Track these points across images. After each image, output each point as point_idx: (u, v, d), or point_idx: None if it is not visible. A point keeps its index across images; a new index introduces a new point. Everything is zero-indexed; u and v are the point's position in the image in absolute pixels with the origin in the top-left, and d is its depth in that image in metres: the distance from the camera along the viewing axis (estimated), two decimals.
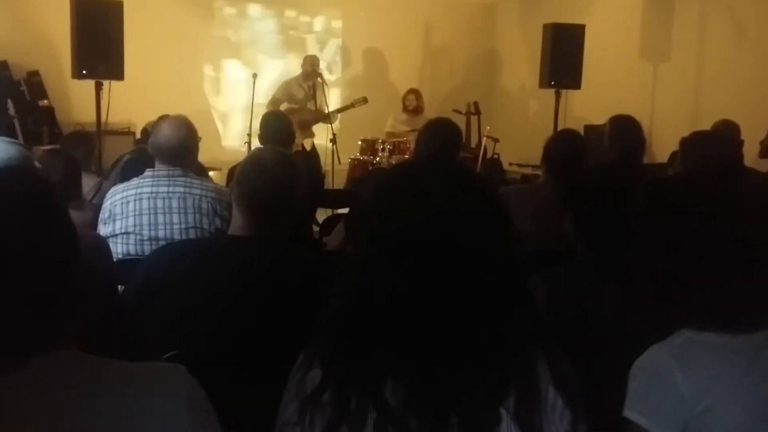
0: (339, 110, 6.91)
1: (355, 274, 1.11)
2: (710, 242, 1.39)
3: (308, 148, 6.65)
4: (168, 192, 2.71)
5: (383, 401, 1.03)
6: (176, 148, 2.74)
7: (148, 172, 2.77)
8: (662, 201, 1.52)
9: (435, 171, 1.14)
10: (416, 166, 1.22)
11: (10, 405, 0.90)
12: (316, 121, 6.67)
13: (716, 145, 3.03)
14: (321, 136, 6.79)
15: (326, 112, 6.60)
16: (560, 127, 6.19)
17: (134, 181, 2.77)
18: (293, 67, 7.69)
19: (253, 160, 1.94)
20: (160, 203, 2.69)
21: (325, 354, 1.09)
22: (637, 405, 1.34)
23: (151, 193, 2.70)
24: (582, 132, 6.57)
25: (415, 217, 1.08)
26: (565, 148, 3.14)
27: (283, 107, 6.48)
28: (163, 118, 3.03)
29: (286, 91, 6.74)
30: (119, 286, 2.16)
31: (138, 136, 4.83)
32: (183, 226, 2.69)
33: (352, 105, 6.81)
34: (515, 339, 1.07)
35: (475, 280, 1.07)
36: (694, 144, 3.03)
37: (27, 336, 0.92)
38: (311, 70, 6.70)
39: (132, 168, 3.19)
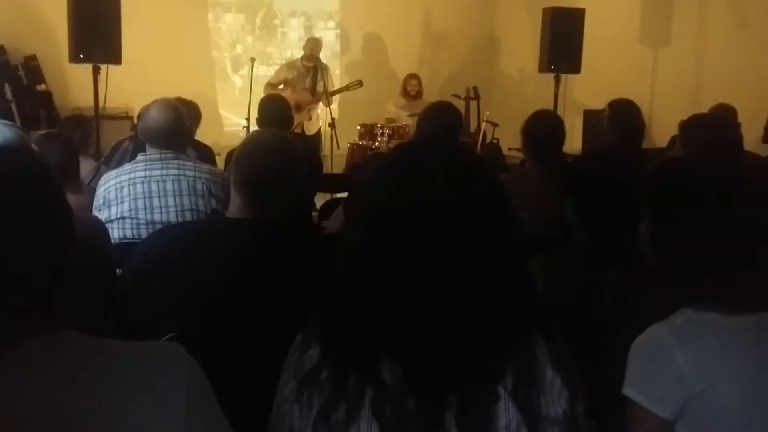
0: (333, 92, 6.86)
1: (353, 254, 1.11)
2: (720, 224, 1.39)
3: (311, 132, 6.63)
4: (162, 175, 2.70)
5: (380, 380, 1.03)
6: (165, 131, 2.73)
7: (140, 157, 2.76)
8: (674, 183, 1.52)
9: (435, 152, 1.13)
10: (416, 147, 1.22)
11: (5, 386, 0.90)
12: (311, 103, 6.64)
13: (717, 128, 3.01)
14: (320, 121, 6.78)
15: (321, 93, 6.57)
16: (560, 112, 6.15)
17: (127, 167, 2.76)
18: (292, 50, 7.66)
19: (251, 142, 1.92)
20: (154, 187, 2.68)
21: (323, 332, 1.09)
22: (636, 383, 1.35)
23: (145, 177, 2.69)
24: (581, 116, 6.58)
25: (414, 198, 1.08)
26: (544, 131, 3.09)
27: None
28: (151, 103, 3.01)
29: (280, 75, 6.71)
30: (117, 270, 2.16)
31: (136, 121, 4.76)
32: (179, 208, 2.69)
33: (346, 87, 6.78)
34: (513, 321, 1.07)
35: (473, 261, 1.07)
36: (694, 127, 3.02)
37: (22, 317, 0.92)
38: (310, 54, 6.67)
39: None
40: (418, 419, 1.02)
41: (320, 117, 6.86)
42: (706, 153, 2.52)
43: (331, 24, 8.21)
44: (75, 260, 0.98)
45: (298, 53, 7.18)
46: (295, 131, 6.20)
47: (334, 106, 6.81)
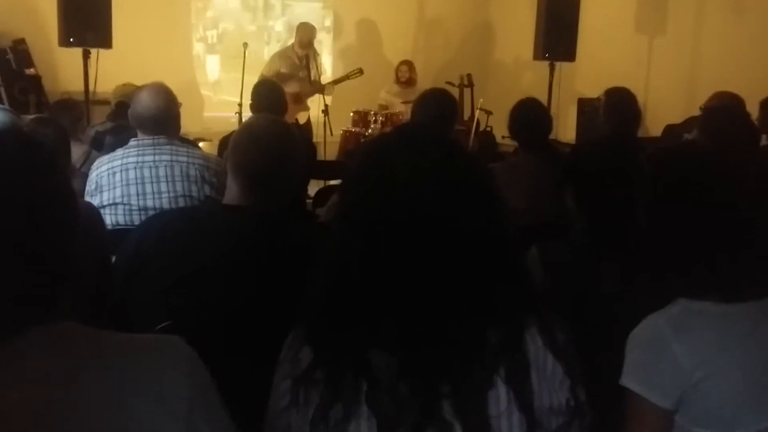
0: (334, 82, 6.77)
1: (334, 249, 1.12)
2: (711, 213, 1.39)
3: (302, 121, 6.55)
4: (154, 161, 2.67)
5: (373, 374, 1.03)
6: (157, 116, 2.70)
7: (132, 142, 2.73)
8: (666, 173, 1.51)
9: (400, 144, 1.14)
10: (383, 141, 1.22)
11: (8, 377, 0.87)
12: (311, 94, 6.55)
13: (737, 119, 2.98)
14: (313, 108, 6.72)
15: (320, 83, 6.47)
16: (554, 100, 6.15)
17: (119, 152, 2.73)
18: (284, 35, 7.60)
19: (248, 128, 1.89)
20: (147, 172, 2.66)
21: (312, 330, 1.09)
22: (635, 374, 1.35)
23: (137, 162, 2.66)
24: (576, 104, 6.57)
25: (380, 192, 1.09)
26: (526, 119, 3.14)
27: None
28: (141, 87, 2.97)
29: (273, 66, 6.53)
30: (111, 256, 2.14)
31: (113, 107, 4.41)
32: (172, 194, 2.66)
33: (347, 77, 6.70)
34: (498, 306, 1.07)
35: (447, 251, 1.06)
36: (714, 115, 2.98)
37: (25, 307, 0.89)
38: (307, 40, 6.54)
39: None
40: (414, 410, 1.02)
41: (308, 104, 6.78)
42: (725, 143, 2.50)
43: (325, 9, 8.14)
44: (78, 248, 0.95)
45: (287, 37, 7.07)
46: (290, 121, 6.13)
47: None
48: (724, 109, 3.10)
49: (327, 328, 1.07)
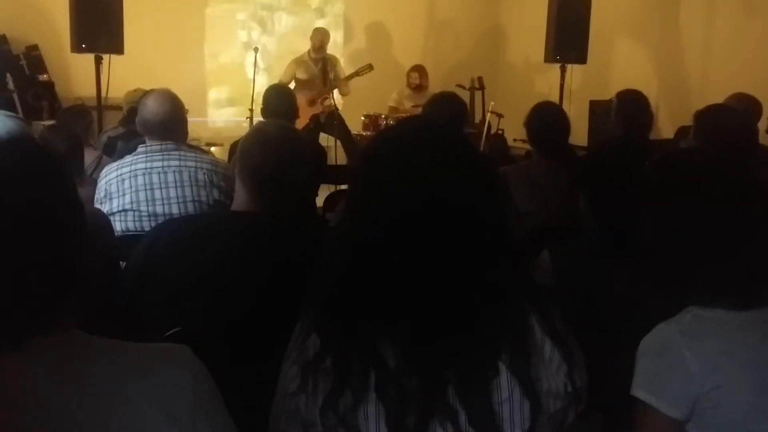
0: (345, 79, 6.71)
1: (346, 240, 1.12)
2: (720, 218, 1.37)
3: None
4: (163, 166, 2.68)
5: (382, 363, 1.04)
6: (164, 122, 2.71)
7: (140, 149, 2.74)
8: (672, 178, 1.50)
9: (421, 139, 1.15)
10: (402, 134, 1.21)
11: (13, 385, 0.87)
12: (323, 93, 6.55)
13: (729, 119, 2.95)
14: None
15: (331, 80, 6.47)
16: (565, 103, 6.11)
17: (128, 159, 2.74)
18: (295, 40, 7.61)
19: (257, 133, 1.90)
20: (155, 178, 2.66)
21: (320, 320, 1.10)
22: (646, 384, 1.33)
23: (146, 168, 2.67)
24: (587, 107, 6.54)
25: (398, 182, 1.10)
26: (545, 123, 3.10)
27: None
28: (147, 93, 2.98)
29: (289, 73, 6.58)
30: (121, 263, 2.14)
31: (125, 113, 4.53)
32: (181, 199, 2.67)
33: (356, 73, 6.70)
34: (504, 295, 1.09)
35: (461, 241, 1.08)
36: (708, 117, 2.96)
37: (30, 316, 0.89)
38: (319, 44, 6.57)
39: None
40: (420, 398, 1.04)
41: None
42: (718, 144, 2.48)
43: (336, 13, 8.15)
44: (86, 257, 0.95)
45: (298, 42, 7.08)
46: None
47: (338, 96, 6.73)
48: (713, 113, 3.04)
49: (335, 318, 1.09)
